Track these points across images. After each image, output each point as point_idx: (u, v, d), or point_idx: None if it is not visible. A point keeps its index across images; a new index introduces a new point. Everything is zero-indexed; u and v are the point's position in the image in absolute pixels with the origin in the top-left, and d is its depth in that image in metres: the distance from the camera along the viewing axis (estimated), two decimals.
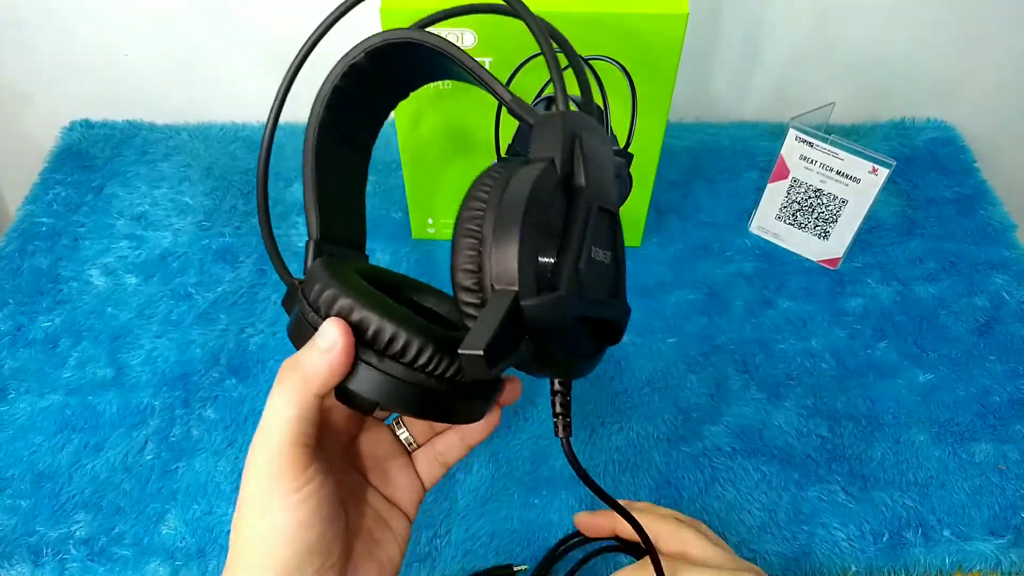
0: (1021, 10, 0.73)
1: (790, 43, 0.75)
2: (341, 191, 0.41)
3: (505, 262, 0.29)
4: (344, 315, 0.33)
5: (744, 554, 0.51)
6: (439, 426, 0.42)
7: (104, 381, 0.60)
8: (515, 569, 0.50)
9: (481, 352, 0.27)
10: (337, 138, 0.41)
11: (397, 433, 0.42)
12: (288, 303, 0.38)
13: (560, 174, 0.32)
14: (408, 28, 0.36)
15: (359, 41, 0.37)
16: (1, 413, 0.58)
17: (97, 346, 0.62)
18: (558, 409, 0.35)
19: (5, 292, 0.65)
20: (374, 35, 0.37)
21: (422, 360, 0.34)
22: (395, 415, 0.43)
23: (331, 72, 0.39)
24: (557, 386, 0.35)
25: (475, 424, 0.39)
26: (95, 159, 0.76)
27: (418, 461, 0.42)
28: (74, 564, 0.51)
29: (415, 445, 0.42)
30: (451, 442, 0.42)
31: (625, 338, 0.33)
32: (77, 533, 0.52)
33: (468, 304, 0.30)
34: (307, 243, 0.39)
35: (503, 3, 0.36)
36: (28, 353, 0.61)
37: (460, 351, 0.28)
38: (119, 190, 0.73)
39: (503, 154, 0.61)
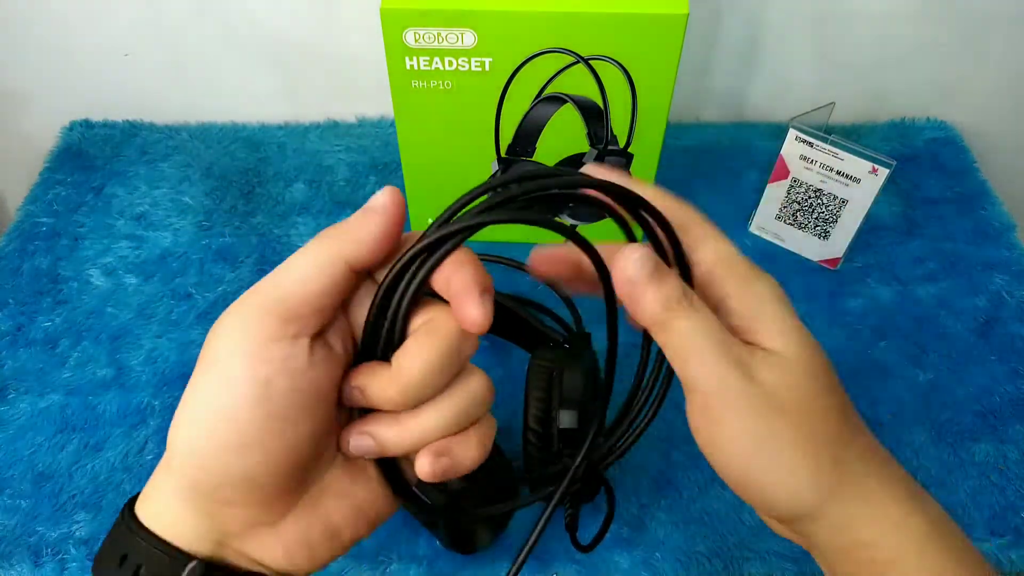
0: (1021, 10, 0.73)
1: (790, 43, 0.75)
2: None
3: None
4: None
5: (744, 554, 0.51)
6: None
7: (104, 381, 0.59)
8: None
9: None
10: None
11: None
12: None
13: None
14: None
15: None
16: (1, 413, 0.58)
17: (97, 346, 0.62)
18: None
19: (5, 292, 0.65)
20: None
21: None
22: None
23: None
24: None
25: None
26: (95, 159, 0.76)
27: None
28: (74, 564, 0.51)
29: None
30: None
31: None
32: (77, 533, 0.52)
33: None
34: None
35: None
36: (28, 353, 0.61)
37: None
38: (119, 190, 0.73)
39: (503, 154, 0.61)
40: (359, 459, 0.30)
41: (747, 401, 0.28)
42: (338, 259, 0.27)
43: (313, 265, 0.27)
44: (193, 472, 0.27)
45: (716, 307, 0.30)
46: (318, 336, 0.28)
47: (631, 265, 0.29)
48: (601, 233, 0.67)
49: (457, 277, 0.27)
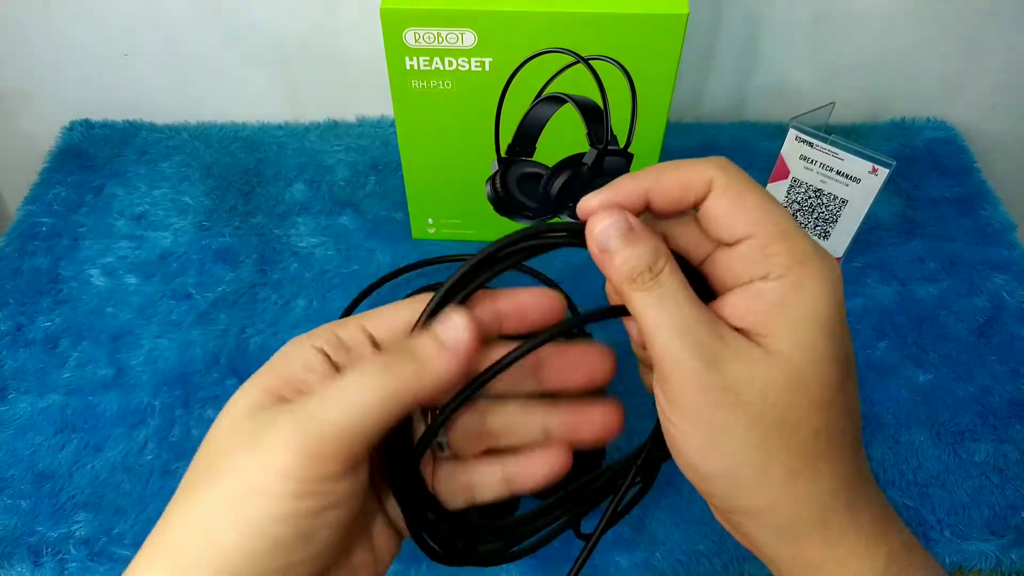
0: (1021, 10, 0.73)
1: (790, 43, 0.75)
2: None
3: None
4: None
5: (744, 554, 0.51)
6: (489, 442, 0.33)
7: (104, 381, 0.59)
8: None
9: None
10: None
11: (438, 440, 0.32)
12: None
13: None
14: None
15: None
16: (1, 413, 0.58)
17: (97, 346, 0.62)
18: None
19: (5, 292, 0.65)
20: None
21: None
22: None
23: None
24: None
25: (534, 462, 0.32)
26: (95, 159, 0.76)
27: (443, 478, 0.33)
28: (74, 564, 0.51)
29: (446, 453, 0.32)
30: (491, 478, 0.32)
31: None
32: (77, 533, 0.52)
33: None
34: None
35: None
36: (28, 353, 0.61)
37: None
38: (119, 190, 0.73)
39: (503, 154, 0.61)
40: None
41: (702, 391, 0.26)
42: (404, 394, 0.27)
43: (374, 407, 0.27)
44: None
45: (750, 285, 0.28)
46: None
47: (599, 231, 0.27)
48: None
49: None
